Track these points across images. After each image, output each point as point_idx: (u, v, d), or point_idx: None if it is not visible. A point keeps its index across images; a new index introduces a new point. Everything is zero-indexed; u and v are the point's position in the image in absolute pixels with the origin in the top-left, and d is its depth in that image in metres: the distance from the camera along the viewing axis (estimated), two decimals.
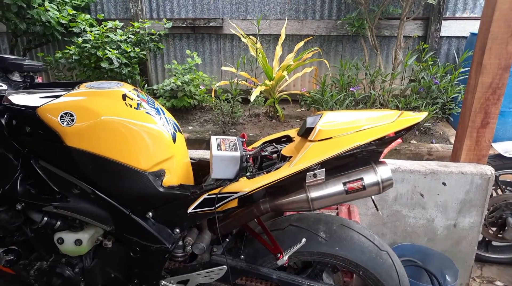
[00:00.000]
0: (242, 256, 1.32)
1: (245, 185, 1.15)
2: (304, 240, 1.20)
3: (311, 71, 4.12)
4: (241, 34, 4.02)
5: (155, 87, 4.27)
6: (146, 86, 4.31)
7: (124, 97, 1.24)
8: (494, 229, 2.13)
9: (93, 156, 1.16)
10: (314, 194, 1.13)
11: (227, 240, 1.41)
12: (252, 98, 3.58)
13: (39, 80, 1.52)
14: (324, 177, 1.12)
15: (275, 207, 1.20)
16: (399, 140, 1.16)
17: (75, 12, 4.35)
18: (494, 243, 2.23)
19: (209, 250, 1.32)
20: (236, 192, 1.15)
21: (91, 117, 1.15)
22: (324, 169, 1.11)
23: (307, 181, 1.13)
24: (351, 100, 3.51)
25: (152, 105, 1.32)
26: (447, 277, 1.77)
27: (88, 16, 4.40)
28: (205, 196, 1.18)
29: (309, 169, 1.10)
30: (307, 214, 1.41)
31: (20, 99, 1.21)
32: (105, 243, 1.29)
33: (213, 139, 1.27)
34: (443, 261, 1.80)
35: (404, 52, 4.12)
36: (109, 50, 3.91)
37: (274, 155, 1.28)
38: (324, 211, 1.67)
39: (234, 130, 3.89)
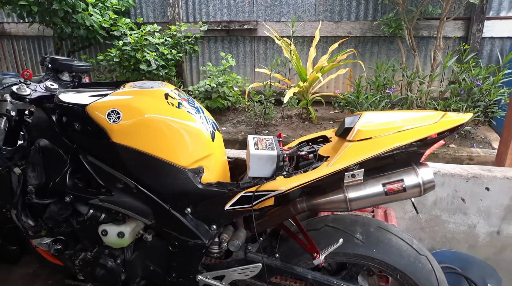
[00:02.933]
0: (277, 255, 1.32)
1: (282, 184, 1.16)
2: (341, 240, 1.20)
3: (345, 73, 4.07)
4: (275, 36, 4.03)
5: (190, 88, 4.37)
6: (181, 87, 4.42)
7: (166, 96, 1.28)
8: None
9: (136, 152, 1.21)
10: (352, 194, 1.13)
11: (261, 238, 1.42)
12: (285, 99, 3.59)
13: (86, 80, 1.61)
14: (362, 177, 1.11)
15: (312, 207, 1.20)
16: (442, 142, 1.13)
17: (116, 16, 4.54)
18: None
19: (244, 247, 1.34)
20: (273, 191, 1.16)
21: (136, 115, 1.21)
22: (362, 169, 1.10)
23: (345, 181, 1.12)
24: (387, 102, 3.43)
25: (192, 104, 1.36)
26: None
27: (128, 20, 4.58)
28: (242, 193, 1.20)
29: (347, 169, 1.09)
30: (342, 215, 1.40)
31: (70, 97, 1.28)
32: (146, 236, 1.34)
33: (250, 138, 1.29)
34: (485, 269, 1.73)
35: (444, 53, 3.98)
36: (147, 53, 4.05)
37: (311, 155, 1.28)
38: (359, 213, 1.65)
39: (266, 131, 3.91)
